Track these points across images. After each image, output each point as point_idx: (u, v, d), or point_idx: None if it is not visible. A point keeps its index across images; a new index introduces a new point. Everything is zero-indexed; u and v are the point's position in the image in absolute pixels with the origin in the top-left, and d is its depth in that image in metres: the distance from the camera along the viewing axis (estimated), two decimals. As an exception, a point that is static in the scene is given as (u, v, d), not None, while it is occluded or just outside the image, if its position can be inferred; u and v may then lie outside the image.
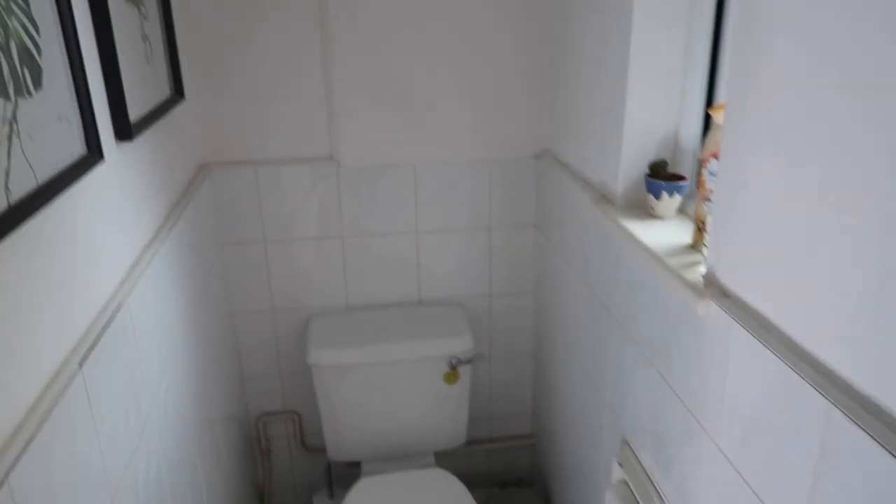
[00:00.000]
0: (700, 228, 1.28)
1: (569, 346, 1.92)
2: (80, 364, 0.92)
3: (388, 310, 2.12)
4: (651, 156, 1.52)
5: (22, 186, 0.84)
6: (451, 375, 1.99)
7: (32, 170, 0.87)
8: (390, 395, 2.01)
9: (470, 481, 2.03)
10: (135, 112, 1.29)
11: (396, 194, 2.03)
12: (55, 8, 0.97)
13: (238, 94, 1.88)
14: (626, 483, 1.46)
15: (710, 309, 1.10)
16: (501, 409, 2.36)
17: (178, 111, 1.66)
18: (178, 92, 1.64)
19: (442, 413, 2.06)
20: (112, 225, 1.15)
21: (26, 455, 0.74)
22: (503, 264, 2.17)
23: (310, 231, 2.03)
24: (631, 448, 1.49)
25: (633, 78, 1.45)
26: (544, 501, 2.27)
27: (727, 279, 1.09)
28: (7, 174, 0.80)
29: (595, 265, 1.67)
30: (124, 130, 1.22)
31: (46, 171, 0.91)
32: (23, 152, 0.85)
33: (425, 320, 2.06)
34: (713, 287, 1.12)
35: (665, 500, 1.32)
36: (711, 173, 1.23)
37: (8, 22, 0.83)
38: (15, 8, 0.85)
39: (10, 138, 0.81)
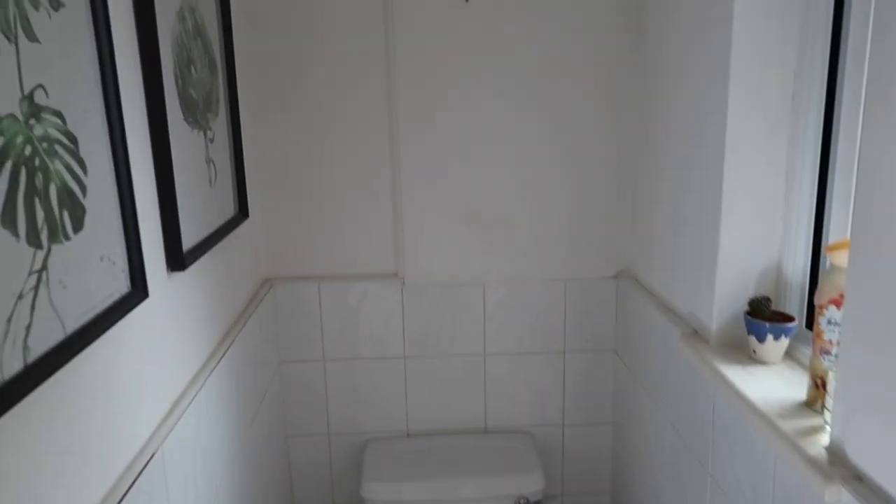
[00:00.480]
0: (818, 385, 1.08)
1: (651, 491, 1.69)
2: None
3: (450, 438, 1.95)
4: (751, 290, 1.34)
5: (45, 342, 0.76)
6: (519, 520, 1.78)
7: (60, 320, 0.79)
8: (451, 537, 1.81)
9: None
10: (191, 239, 1.24)
11: (463, 313, 1.91)
12: (109, 145, 0.93)
13: (303, 210, 1.84)
14: None
15: (840, 496, 0.89)
16: (575, 555, 2.10)
17: (242, 229, 1.61)
18: (242, 211, 1.60)
19: (508, 560, 1.83)
20: (155, 363, 1.07)
21: None
22: (578, 391, 1.98)
23: (371, 350, 1.92)
24: None
25: (728, 201, 1.31)
26: None
27: (859, 458, 0.89)
28: (28, 330, 0.72)
29: (684, 408, 1.47)
30: (177, 261, 1.16)
31: (78, 319, 0.83)
32: (50, 303, 0.77)
33: (491, 453, 1.88)
34: (841, 466, 0.92)
35: None
36: (831, 322, 1.04)
37: (49, 164, 0.78)
38: (59, 149, 0.81)
39: (36, 290, 0.74)
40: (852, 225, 0.91)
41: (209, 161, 1.39)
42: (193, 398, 1.19)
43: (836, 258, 1.04)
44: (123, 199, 0.96)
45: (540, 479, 1.78)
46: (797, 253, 1.30)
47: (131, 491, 0.91)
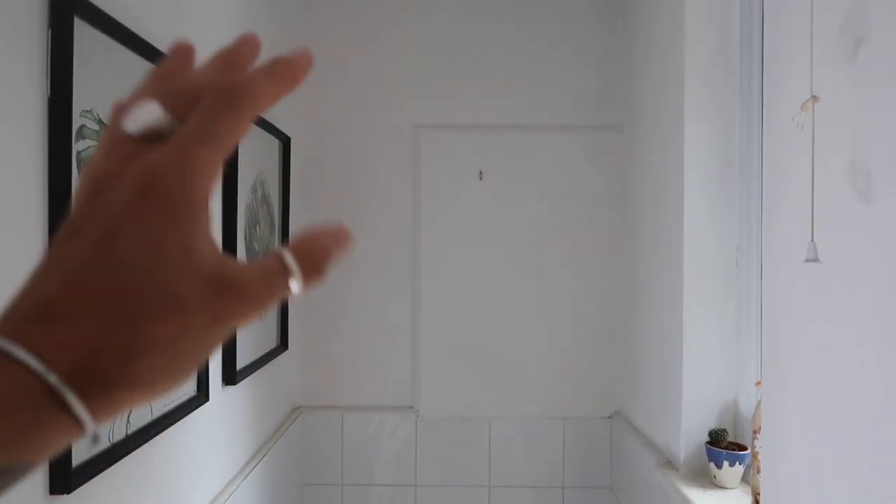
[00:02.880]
0: (757, 501, 1.27)
1: None
2: (151, 587, 1.02)
3: (455, 568, 2.07)
4: (712, 423, 1.56)
5: (139, 421, 1.03)
6: None
7: (150, 407, 1.07)
8: None
9: None
10: (242, 361, 1.52)
11: (470, 446, 2.11)
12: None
13: (333, 348, 2.13)
14: None
15: (763, 589, 1.06)
16: None
17: (281, 359, 1.90)
18: (283, 343, 1.90)
19: None
20: (208, 456, 1.32)
21: None
22: (577, 527, 2.11)
23: (386, 477, 2.10)
24: None
25: (688, 352, 1.56)
26: None
27: (780, 557, 1.07)
28: (130, 410, 1.00)
29: (664, 534, 1.62)
30: (230, 377, 1.45)
31: (161, 408, 1.11)
32: (146, 393, 1.05)
33: (493, 583, 1.99)
34: (767, 565, 1.09)
35: None
36: (761, 446, 1.25)
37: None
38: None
39: (139, 381, 1.03)
40: (762, 366, 1.17)
41: (262, 299, 1.71)
42: (231, 495, 1.41)
43: (762, 393, 1.27)
44: (200, 323, 1.27)
45: None
46: (749, 392, 1.53)
47: (180, 557, 1.13)
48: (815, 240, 0.82)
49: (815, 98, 0.84)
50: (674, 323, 1.60)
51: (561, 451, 2.11)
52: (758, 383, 1.31)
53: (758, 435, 1.27)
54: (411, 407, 2.13)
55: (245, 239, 1.56)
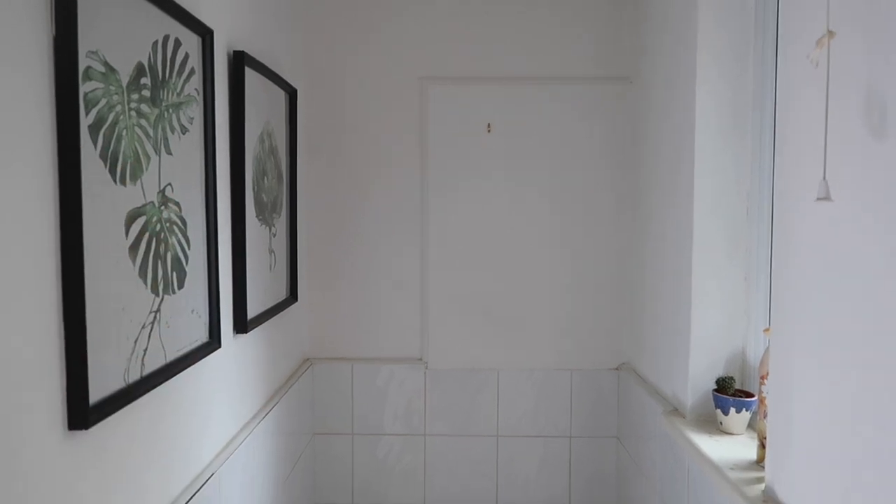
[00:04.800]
0: (763, 444, 1.28)
1: (649, 570, 1.82)
2: (169, 522, 1.05)
3: (464, 514, 2.12)
4: (720, 371, 1.57)
5: (154, 363, 1.05)
6: (523, 591, 1.91)
7: (164, 350, 1.08)
8: None
9: None
10: (253, 310, 1.54)
11: (479, 397, 2.13)
12: (205, 229, 1.26)
13: (343, 301, 2.14)
14: None
15: (767, 527, 1.09)
16: None
17: (292, 310, 1.92)
18: (292, 294, 1.91)
19: None
20: (221, 401, 1.34)
21: None
22: (584, 477, 2.14)
23: (395, 427, 2.14)
24: None
25: (697, 301, 1.56)
26: None
27: (784, 494, 1.09)
28: (145, 352, 1.02)
29: (668, 479, 1.65)
30: (241, 325, 1.46)
31: (175, 352, 1.12)
32: (159, 336, 1.07)
33: (500, 528, 2.04)
34: (771, 502, 1.11)
35: None
36: (768, 391, 1.26)
37: (169, 238, 1.11)
38: (175, 229, 1.13)
39: (152, 325, 1.04)
40: (771, 312, 1.17)
41: (271, 251, 1.72)
42: (243, 441, 1.44)
43: (771, 339, 1.27)
44: (211, 271, 1.28)
45: (544, 554, 1.93)
46: (757, 341, 1.53)
47: (197, 496, 1.16)
48: (826, 178, 0.81)
49: (831, 33, 0.82)
50: (683, 273, 1.60)
51: (568, 402, 2.14)
52: (766, 330, 1.31)
53: (765, 381, 1.28)
54: (420, 359, 2.16)
55: (253, 189, 1.55)
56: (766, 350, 1.29)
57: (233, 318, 1.44)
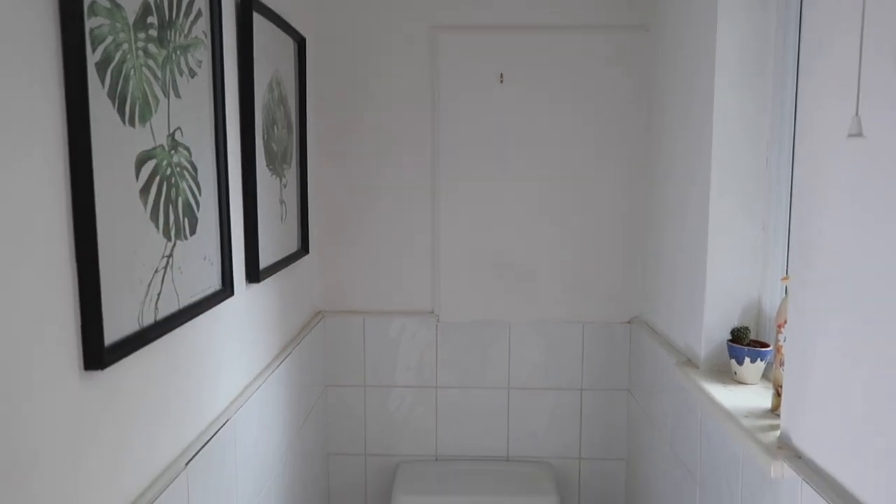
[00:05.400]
0: (779, 393, 1.28)
1: (659, 518, 1.84)
2: (187, 463, 1.06)
3: (475, 463, 2.14)
4: (735, 322, 1.55)
5: (167, 308, 1.04)
6: (534, 538, 1.94)
7: (177, 295, 1.08)
8: (471, 553, 1.97)
9: None
10: (264, 260, 1.53)
11: (490, 349, 2.14)
12: (215, 176, 1.24)
13: (354, 253, 2.13)
14: None
15: (783, 470, 1.09)
16: (590, 588, 2.22)
17: (303, 262, 1.91)
18: (304, 247, 1.91)
19: (524, 581, 1.98)
20: (234, 350, 1.35)
21: (130, 531, 0.87)
22: (594, 428, 2.16)
23: (407, 380, 2.15)
24: None
25: (713, 251, 1.54)
26: None
27: (800, 441, 1.09)
28: (158, 296, 1.01)
29: (680, 430, 1.66)
30: (253, 274, 1.46)
31: (187, 298, 1.12)
32: (172, 281, 1.06)
33: (512, 477, 2.06)
34: (786, 449, 1.11)
35: None
36: (785, 339, 1.25)
37: (180, 183, 1.09)
38: (186, 174, 1.12)
39: (165, 270, 1.03)
40: (790, 257, 1.15)
41: (282, 202, 1.70)
42: (257, 389, 1.45)
43: (789, 286, 1.26)
44: (222, 218, 1.27)
45: (555, 502, 1.95)
46: (773, 290, 1.52)
47: (212, 441, 1.17)
48: (859, 114, 0.78)
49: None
50: (699, 223, 1.58)
51: (580, 355, 2.14)
52: (784, 278, 1.29)
53: (782, 329, 1.27)
54: (431, 311, 2.15)
55: (263, 138, 1.53)
56: (784, 298, 1.28)
57: (245, 268, 1.43)
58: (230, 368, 1.33)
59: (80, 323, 0.81)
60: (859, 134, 0.76)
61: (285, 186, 1.74)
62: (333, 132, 2.09)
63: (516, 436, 2.17)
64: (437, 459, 2.17)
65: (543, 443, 2.17)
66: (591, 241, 2.10)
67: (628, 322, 2.13)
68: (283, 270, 1.71)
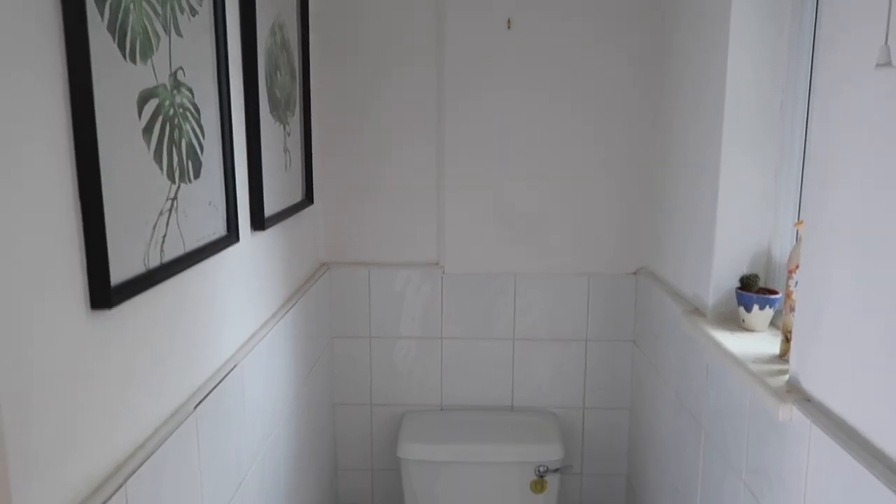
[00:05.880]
0: (787, 339, 1.27)
1: (662, 465, 1.86)
2: (196, 407, 1.06)
3: (480, 413, 2.16)
4: (744, 270, 1.54)
5: (173, 252, 1.03)
6: (538, 484, 1.97)
7: (182, 239, 1.07)
8: (477, 497, 2.01)
9: None
10: (269, 209, 1.51)
11: (496, 301, 2.14)
12: (218, 119, 1.22)
13: (360, 203, 2.11)
14: None
15: (791, 413, 1.09)
16: (592, 533, 2.27)
17: (307, 213, 1.89)
18: (308, 197, 1.89)
19: (528, 526, 2.02)
20: (240, 296, 1.34)
21: (143, 469, 0.87)
22: (599, 378, 2.17)
23: (412, 331, 2.16)
24: (718, 570, 1.41)
25: (724, 197, 1.52)
26: None
27: (809, 384, 1.08)
28: (164, 239, 1.00)
29: (686, 378, 1.66)
30: (258, 222, 1.44)
31: (193, 243, 1.11)
32: (177, 225, 1.05)
33: (516, 426, 2.08)
34: (795, 392, 1.11)
35: None
36: (797, 284, 1.24)
37: (183, 124, 1.07)
38: (189, 115, 1.09)
39: (170, 212, 1.02)
40: (804, 202, 1.13)
41: (286, 150, 1.68)
42: (263, 338, 1.45)
43: (801, 231, 1.24)
44: (226, 163, 1.24)
45: (559, 451, 1.98)
46: (784, 238, 1.50)
47: (220, 386, 1.17)
48: (888, 43, 0.75)
49: None
50: (710, 169, 1.55)
51: (585, 307, 2.13)
52: (798, 223, 1.27)
53: (793, 274, 1.26)
54: (437, 263, 2.15)
55: (266, 84, 1.50)
56: (797, 243, 1.26)
57: (250, 215, 1.41)
58: (236, 315, 1.33)
59: (85, 262, 0.80)
60: (888, 63, 0.73)
61: (289, 135, 1.71)
62: (336, 80, 2.05)
63: (521, 386, 2.18)
64: (442, 409, 2.19)
65: (548, 393, 2.18)
66: (600, 193, 2.07)
67: (634, 273, 2.12)
68: (288, 220, 1.69)
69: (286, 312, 1.63)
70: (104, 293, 0.82)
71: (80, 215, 0.79)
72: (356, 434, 2.23)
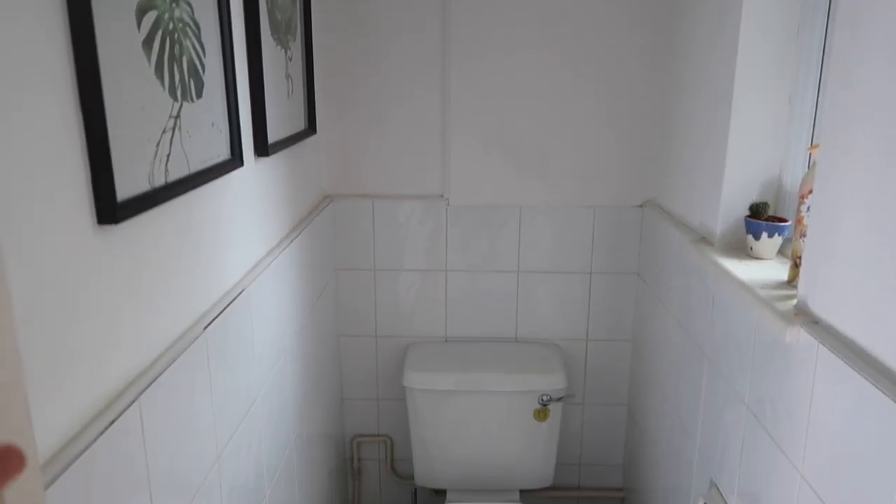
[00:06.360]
0: (796, 264, 1.27)
1: (664, 395, 1.89)
2: (205, 328, 1.06)
3: (484, 344, 2.19)
4: (753, 198, 1.52)
5: (177, 172, 1.01)
6: (542, 412, 2.01)
7: (187, 160, 1.05)
8: (480, 426, 2.05)
9: (555, 526, 2.00)
10: (272, 135, 1.48)
11: (500, 233, 2.13)
12: (219, 38, 1.18)
13: (363, 134, 2.08)
14: (711, 528, 1.40)
15: (799, 336, 1.09)
16: (592, 458, 2.32)
17: (309, 143, 1.86)
18: (311, 126, 1.85)
19: (530, 450, 2.07)
20: (245, 221, 1.33)
21: (157, 384, 0.88)
22: (602, 310, 2.18)
23: (416, 263, 2.16)
24: (718, 489, 1.44)
25: (735, 123, 1.48)
26: (633, 563, 2.18)
27: (818, 307, 1.08)
28: (168, 158, 0.98)
29: (691, 307, 1.67)
30: (262, 148, 1.42)
31: (197, 164, 1.09)
32: (181, 144, 1.03)
33: (520, 356, 2.11)
34: (803, 315, 1.11)
35: (749, 541, 1.27)
36: (809, 209, 1.23)
37: (183, 40, 1.03)
38: (189, 31, 1.05)
39: (173, 130, 1.00)
40: (820, 124, 1.10)
41: (288, 76, 1.63)
42: (269, 265, 1.44)
43: (815, 154, 1.22)
44: (228, 84, 1.21)
45: (562, 380, 2.00)
46: (796, 165, 1.48)
47: (228, 309, 1.17)
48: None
49: None
50: (723, 95, 1.51)
51: (590, 239, 2.13)
52: (813, 147, 1.25)
53: (805, 199, 1.24)
54: (441, 195, 2.13)
55: (267, 4, 1.44)
56: (810, 168, 1.24)
57: (253, 140, 1.39)
58: (242, 241, 1.32)
59: (90, 175, 0.78)
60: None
61: (290, 60, 1.66)
62: (339, 6, 1.98)
63: (525, 318, 2.19)
64: (446, 341, 2.21)
65: (551, 325, 2.20)
66: (607, 124, 2.03)
67: (640, 206, 2.10)
68: (291, 148, 1.66)
69: (290, 242, 1.62)
70: (110, 208, 0.81)
71: (83, 129, 0.77)
72: (361, 365, 2.26)
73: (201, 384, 1.05)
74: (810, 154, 1.27)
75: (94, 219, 0.79)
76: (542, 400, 2.00)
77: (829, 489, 0.99)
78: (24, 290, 0.66)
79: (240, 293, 1.24)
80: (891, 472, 0.84)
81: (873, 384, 0.87)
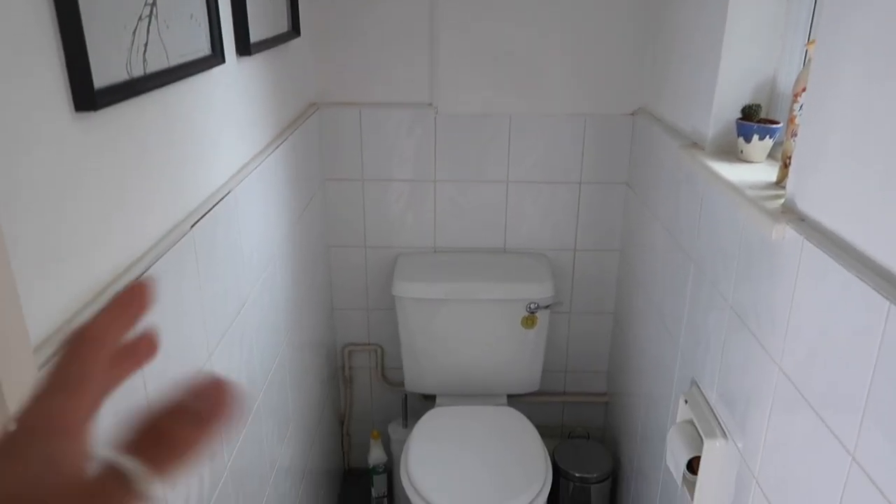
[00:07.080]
0: (786, 165, 1.26)
1: (649, 300, 1.92)
2: (192, 226, 1.05)
3: (473, 254, 2.20)
4: (746, 100, 1.50)
5: (156, 63, 0.97)
6: (529, 319, 2.04)
7: (166, 51, 1.01)
8: (469, 333, 2.09)
9: (539, 429, 2.07)
10: (255, 34, 1.43)
11: (490, 143, 2.10)
12: (194, -80, 1.11)
13: (349, 39, 2.01)
14: (691, 422, 1.46)
15: (784, 233, 1.10)
16: (578, 365, 2.39)
17: (294, 46, 1.80)
18: (294, 29, 1.78)
19: (518, 356, 2.12)
20: (228, 122, 1.30)
21: (144, 277, 0.88)
22: (591, 220, 2.19)
23: (405, 173, 2.14)
24: (698, 386, 1.49)
25: (731, 24, 1.44)
26: (612, 455, 2.28)
27: (805, 205, 1.09)
28: (145, 48, 0.94)
29: (680, 213, 1.67)
30: (244, 46, 1.36)
31: (177, 58, 1.05)
32: (159, 34, 0.98)
33: (508, 266, 2.13)
34: (790, 213, 1.12)
35: (727, 431, 1.32)
36: (802, 107, 1.21)
37: (155, -79, 0.97)
38: (161, -90, 0.99)
39: (149, 18, 0.95)
40: (817, 21, 1.07)
41: (268, -29, 1.56)
42: (256, 168, 1.42)
43: (811, 52, 1.19)
44: (206, -27, 1.15)
45: (549, 288, 2.03)
46: (791, 66, 1.45)
47: (215, 209, 1.16)
48: None
49: None
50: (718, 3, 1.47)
51: (580, 149, 2.11)
52: (810, 43, 1.22)
53: (798, 98, 1.23)
54: (430, 104, 2.08)
55: None
56: (805, 66, 1.22)
57: (234, 37, 1.33)
58: (227, 141, 1.29)
59: (64, 61, 0.75)
60: None
61: (271, -46, 1.58)
62: None
63: (514, 229, 2.20)
64: (435, 251, 2.22)
65: (540, 235, 2.21)
66: (598, 31, 1.97)
67: (632, 114, 2.07)
68: (275, 50, 1.61)
69: (276, 148, 1.60)
70: (87, 94, 0.78)
71: (54, 12, 0.73)
72: (351, 276, 2.27)
73: (190, 282, 1.06)
74: (807, 51, 1.25)
75: (72, 105, 0.77)
76: (530, 308, 2.03)
77: (807, 381, 1.02)
78: (2, 178, 0.64)
79: (227, 194, 1.23)
80: (867, 360, 0.86)
81: (857, 276, 0.89)
